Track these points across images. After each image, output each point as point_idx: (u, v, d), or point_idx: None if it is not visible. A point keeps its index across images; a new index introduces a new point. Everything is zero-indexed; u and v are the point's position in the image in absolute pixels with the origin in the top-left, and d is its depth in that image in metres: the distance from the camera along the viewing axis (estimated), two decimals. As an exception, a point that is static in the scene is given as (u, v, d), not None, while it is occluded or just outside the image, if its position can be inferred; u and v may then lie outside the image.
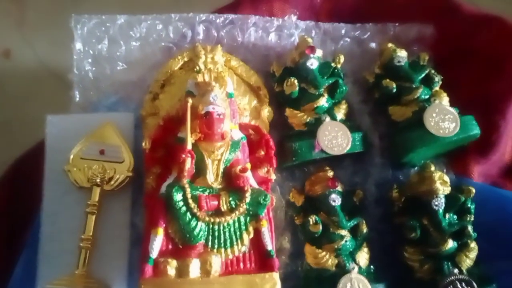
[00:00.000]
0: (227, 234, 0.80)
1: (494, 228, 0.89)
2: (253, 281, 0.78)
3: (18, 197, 0.99)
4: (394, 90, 0.95)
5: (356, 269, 0.84)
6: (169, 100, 0.93)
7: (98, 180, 0.86)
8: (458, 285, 0.83)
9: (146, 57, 1.01)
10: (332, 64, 0.95)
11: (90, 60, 1.00)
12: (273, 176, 0.88)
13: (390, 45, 1.00)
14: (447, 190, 0.88)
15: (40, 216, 0.88)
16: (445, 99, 0.95)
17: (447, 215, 0.86)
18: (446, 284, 0.83)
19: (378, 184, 0.95)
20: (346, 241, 0.85)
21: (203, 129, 0.82)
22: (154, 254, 0.77)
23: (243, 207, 0.80)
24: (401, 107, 0.95)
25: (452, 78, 0.98)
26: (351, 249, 0.86)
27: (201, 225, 0.78)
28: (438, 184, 0.87)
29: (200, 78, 0.90)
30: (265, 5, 1.08)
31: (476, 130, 0.92)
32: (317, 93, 0.93)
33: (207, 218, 0.78)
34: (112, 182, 0.87)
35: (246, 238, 0.81)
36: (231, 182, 0.82)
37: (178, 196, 0.77)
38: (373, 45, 1.06)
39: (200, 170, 0.82)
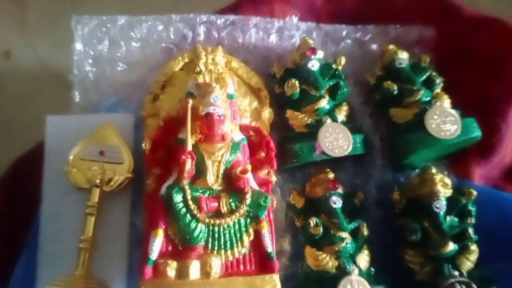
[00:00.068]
0: (227, 235, 0.80)
1: (494, 231, 0.89)
2: (253, 283, 0.78)
3: (18, 198, 0.99)
4: (395, 92, 0.95)
5: (357, 271, 0.84)
6: (169, 101, 0.93)
7: (97, 181, 0.86)
8: (459, 287, 0.83)
9: (146, 58, 1.01)
10: (333, 66, 0.95)
11: (90, 61, 1.00)
12: (273, 178, 0.88)
13: (391, 47, 1.00)
14: (448, 192, 0.88)
15: (39, 216, 0.88)
16: (446, 101, 0.94)
17: (448, 218, 0.86)
18: (447, 286, 0.83)
19: (379, 186, 0.95)
20: (346, 243, 0.85)
21: (204, 130, 0.82)
22: (154, 255, 0.77)
23: (244, 208, 0.80)
24: (402, 109, 0.95)
25: (453, 80, 0.98)
26: (351, 251, 0.86)
27: (201, 226, 0.78)
28: (439, 187, 0.87)
29: (200, 79, 0.90)
30: (266, 6, 1.08)
31: (477, 133, 0.92)
32: (318, 94, 0.93)
33: (207, 220, 0.78)
34: (112, 183, 0.87)
35: (246, 240, 0.81)
36: (232, 183, 0.82)
37: (178, 198, 0.77)
38: (374, 47, 1.06)
39: (200, 172, 0.82)
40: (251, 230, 0.81)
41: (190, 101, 0.84)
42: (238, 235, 0.80)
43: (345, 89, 0.95)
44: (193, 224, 0.78)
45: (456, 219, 0.87)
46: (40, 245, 0.86)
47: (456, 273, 0.84)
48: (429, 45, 1.07)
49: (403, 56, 0.98)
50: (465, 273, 0.84)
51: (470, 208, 0.87)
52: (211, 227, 0.79)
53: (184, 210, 0.78)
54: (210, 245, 0.79)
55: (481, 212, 0.87)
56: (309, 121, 0.92)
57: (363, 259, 0.87)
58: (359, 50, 1.06)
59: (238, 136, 0.87)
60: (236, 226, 0.80)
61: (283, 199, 0.92)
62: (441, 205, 0.86)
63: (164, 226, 0.78)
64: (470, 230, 0.86)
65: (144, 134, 0.92)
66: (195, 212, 0.77)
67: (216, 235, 0.79)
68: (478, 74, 1.02)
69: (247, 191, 0.80)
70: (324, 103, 0.93)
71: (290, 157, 0.90)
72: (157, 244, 0.78)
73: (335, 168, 0.93)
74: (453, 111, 0.92)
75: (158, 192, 0.82)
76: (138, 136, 0.93)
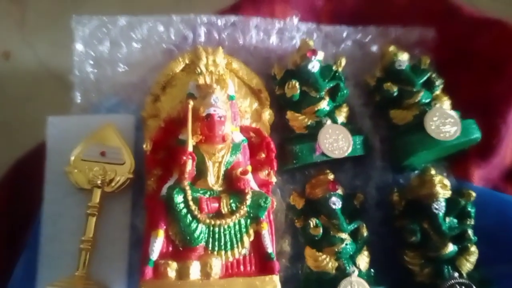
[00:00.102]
0: (227, 236, 0.80)
1: (494, 232, 0.89)
2: (254, 283, 0.78)
3: (18, 198, 0.99)
4: (395, 94, 0.95)
5: (356, 272, 0.84)
6: (170, 102, 0.93)
7: (98, 182, 0.86)
8: (458, 288, 0.83)
9: (147, 59, 1.01)
10: (333, 67, 0.95)
11: (91, 62, 1.00)
12: (273, 179, 0.88)
13: (391, 48, 1.00)
14: (448, 193, 0.88)
15: (40, 217, 0.88)
16: (446, 103, 0.95)
17: (447, 219, 0.86)
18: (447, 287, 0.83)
19: (379, 188, 0.95)
20: (346, 244, 0.85)
21: (204, 131, 0.82)
22: (154, 256, 0.77)
23: (244, 209, 0.80)
24: (402, 111, 0.95)
25: (453, 80, 0.98)
26: (351, 253, 0.86)
27: (201, 227, 0.78)
28: (438, 188, 0.87)
29: (201, 80, 0.90)
30: (266, 7, 1.08)
31: (476, 134, 0.92)
32: (318, 96, 0.93)
33: (207, 220, 0.78)
34: (112, 184, 0.87)
35: (247, 241, 0.81)
36: (232, 184, 0.82)
37: (178, 198, 0.77)
38: (374, 48, 1.06)
39: (201, 172, 0.82)
40: (251, 231, 0.82)
41: (191, 102, 0.84)
42: (238, 236, 0.81)
43: (345, 91, 0.95)
44: (193, 225, 0.78)
45: (455, 220, 0.87)
46: (41, 245, 0.86)
47: (456, 274, 0.84)
48: (430, 46, 1.07)
49: (403, 57, 0.98)
50: (465, 275, 0.84)
51: (469, 209, 0.87)
52: (211, 228, 0.79)
53: (184, 210, 0.78)
54: (210, 245, 0.79)
55: (481, 213, 0.88)
56: (309, 123, 0.92)
57: (363, 260, 0.87)
58: (359, 51, 1.06)
59: (239, 137, 0.87)
60: (237, 227, 0.81)
61: (283, 200, 0.93)
62: (440, 207, 0.86)
63: (164, 227, 0.78)
64: (470, 232, 0.87)
65: (144, 135, 0.92)
66: (196, 212, 0.78)
67: (217, 236, 0.79)
68: (478, 75, 1.03)
69: (248, 192, 0.81)
70: (324, 105, 0.93)
71: (290, 158, 0.90)
72: (158, 244, 0.78)
73: (335, 169, 0.93)
74: (453, 113, 0.92)
75: (159, 193, 0.82)
76: (139, 137, 0.93)
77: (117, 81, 0.99)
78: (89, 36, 1.00)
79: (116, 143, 0.90)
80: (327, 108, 0.93)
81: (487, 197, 0.93)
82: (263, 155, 0.89)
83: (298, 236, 0.90)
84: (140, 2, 1.28)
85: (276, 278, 0.79)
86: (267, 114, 0.95)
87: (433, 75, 0.97)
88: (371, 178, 0.96)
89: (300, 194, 0.91)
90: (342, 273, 0.84)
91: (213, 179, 0.82)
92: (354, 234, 0.88)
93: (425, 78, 0.96)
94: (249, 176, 0.83)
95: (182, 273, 0.77)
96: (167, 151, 0.86)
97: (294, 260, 0.90)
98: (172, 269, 0.77)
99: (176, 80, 0.95)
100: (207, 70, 0.93)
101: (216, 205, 0.80)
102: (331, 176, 0.91)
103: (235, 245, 0.80)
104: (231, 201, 0.80)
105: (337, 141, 0.90)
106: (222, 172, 0.82)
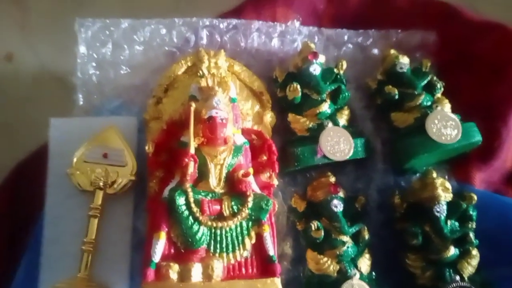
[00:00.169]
0: (229, 238, 0.80)
1: (495, 235, 0.89)
2: (255, 286, 0.78)
3: (20, 200, 0.99)
4: (396, 97, 0.95)
5: (358, 275, 0.84)
6: (172, 104, 0.93)
7: (101, 184, 0.86)
8: (460, 291, 0.83)
9: (149, 61, 1.01)
10: (335, 70, 0.95)
11: (94, 64, 1.00)
12: (275, 181, 0.88)
13: (392, 51, 1.00)
14: (449, 196, 0.88)
15: (42, 219, 0.88)
16: (447, 106, 0.95)
17: (448, 222, 0.86)
18: (448, 290, 0.83)
19: (380, 190, 0.95)
20: (347, 247, 0.85)
21: (206, 134, 0.83)
22: (156, 258, 0.78)
23: (245, 212, 0.80)
24: (403, 114, 0.95)
25: (454, 84, 0.98)
26: (352, 255, 0.86)
27: (203, 229, 0.79)
28: (440, 191, 0.87)
29: (203, 83, 0.90)
30: (268, 10, 1.08)
31: (478, 137, 0.92)
32: (319, 98, 0.93)
33: (209, 223, 0.78)
34: (115, 186, 0.87)
35: (248, 243, 0.81)
36: (234, 186, 0.82)
37: (180, 200, 0.77)
38: (375, 51, 1.07)
39: (202, 175, 0.82)
40: (253, 233, 0.82)
41: (193, 105, 0.84)
42: (240, 238, 0.81)
43: (346, 93, 0.95)
44: (195, 227, 0.78)
45: (457, 223, 0.87)
46: (43, 247, 0.86)
47: (458, 277, 0.84)
48: (431, 50, 1.07)
49: (404, 60, 0.99)
50: (466, 278, 0.84)
51: (471, 212, 0.87)
52: (213, 230, 0.79)
53: (186, 213, 0.78)
54: (212, 248, 0.79)
55: (482, 216, 0.87)
56: (310, 125, 0.93)
57: (364, 263, 0.87)
58: (360, 54, 1.07)
59: (240, 139, 0.87)
60: (238, 229, 0.81)
61: (285, 203, 0.93)
62: (441, 210, 0.86)
63: (166, 229, 0.79)
64: (471, 235, 0.86)
65: (147, 137, 0.92)
66: (198, 215, 0.78)
67: (218, 238, 0.80)
68: (479, 78, 1.03)
69: (249, 194, 0.81)
70: (326, 107, 0.93)
71: (291, 161, 0.90)
72: (160, 246, 0.78)
73: (337, 172, 0.93)
74: (454, 116, 0.92)
75: (160, 195, 0.82)
76: (141, 139, 0.93)
77: (120, 83, 1.00)
78: (92, 39, 1.01)
79: (118, 145, 0.90)
80: (329, 111, 0.93)
81: (489, 200, 0.93)
82: (265, 158, 0.89)
83: (299, 239, 0.90)
84: (141, 4, 1.28)
85: (277, 281, 0.79)
86: (269, 117, 0.96)
87: (434, 78, 0.97)
88: (373, 181, 0.96)
89: (301, 197, 0.92)
90: (343, 276, 0.84)
91: (214, 181, 0.82)
92: (356, 237, 0.87)
93: (426, 81, 0.96)
94: (251, 179, 0.83)
95: (184, 275, 0.77)
96: (169, 153, 0.87)
97: (295, 263, 0.90)
98: (174, 271, 0.77)
99: (178, 82, 0.95)
100: (209, 72, 0.93)
101: (218, 207, 0.80)
102: (332, 179, 0.91)
103: (237, 248, 0.80)
104: (233, 203, 0.80)
105: (338, 144, 0.90)
106: (223, 174, 0.83)
